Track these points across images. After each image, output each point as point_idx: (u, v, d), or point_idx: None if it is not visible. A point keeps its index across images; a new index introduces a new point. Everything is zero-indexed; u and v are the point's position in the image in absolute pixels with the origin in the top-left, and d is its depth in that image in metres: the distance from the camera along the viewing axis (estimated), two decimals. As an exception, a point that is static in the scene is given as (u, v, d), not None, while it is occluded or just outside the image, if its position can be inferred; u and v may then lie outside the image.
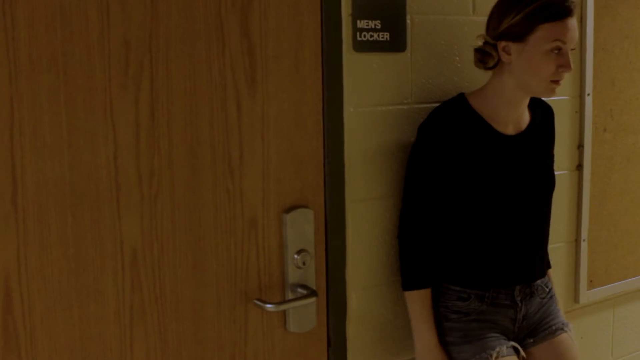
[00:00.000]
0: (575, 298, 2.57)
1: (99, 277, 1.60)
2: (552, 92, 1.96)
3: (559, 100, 2.40)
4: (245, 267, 1.79)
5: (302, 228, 1.85)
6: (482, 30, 2.10)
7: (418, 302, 2.02)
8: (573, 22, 1.91)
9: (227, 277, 1.76)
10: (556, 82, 1.93)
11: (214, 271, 1.74)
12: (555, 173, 2.36)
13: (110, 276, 1.61)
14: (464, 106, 2.01)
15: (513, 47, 1.92)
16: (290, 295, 1.85)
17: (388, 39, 1.99)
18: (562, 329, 2.13)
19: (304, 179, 1.85)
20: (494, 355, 1.98)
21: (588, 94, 2.49)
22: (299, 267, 1.85)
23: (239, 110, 1.74)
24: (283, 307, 1.80)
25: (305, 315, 1.88)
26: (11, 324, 1.51)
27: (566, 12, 1.89)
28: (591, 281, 2.61)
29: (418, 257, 2.02)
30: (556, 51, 1.90)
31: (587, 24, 2.44)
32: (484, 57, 1.99)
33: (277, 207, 1.82)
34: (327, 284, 1.94)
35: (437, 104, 2.05)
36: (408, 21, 2.03)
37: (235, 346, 1.80)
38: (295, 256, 1.84)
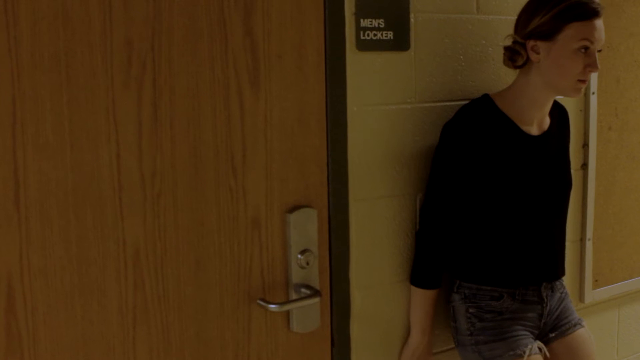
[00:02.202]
0: (580, 297, 2.56)
1: (101, 277, 1.59)
2: (578, 91, 2.00)
3: (563, 99, 2.39)
4: (248, 267, 1.78)
5: (306, 228, 1.84)
6: (486, 28, 2.10)
7: (423, 300, 2.07)
8: (600, 23, 1.95)
9: (230, 276, 1.76)
10: (583, 81, 1.97)
11: (217, 271, 1.74)
12: (560, 172, 2.37)
13: (112, 276, 1.61)
14: (489, 106, 2.04)
15: (542, 46, 1.96)
16: (293, 295, 1.85)
17: (391, 37, 1.98)
18: (579, 324, 2.20)
19: (307, 179, 1.85)
20: (527, 353, 2.03)
21: (593, 93, 2.48)
22: (302, 267, 1.84)
23: (242, 109, 1.73)
24: (286, 307, 1.79)
25: (309, 315, 1.88)
26: (14, 324, 1.51)
27: (594, 13, 1.93)
28: (596, 280, 2.60)
29: (433, 257, 2.06)
30: (583, 50, 1.93)
31: (592, 23, 2.42)
32: (513, 55, 2.03)
33: (280, 207, 1.81)
34: (331, 284, 1.93)
35: (441, 103, 2.06)
36: (412, 20, 2.02)
37: (239, 346, 1.79)
38: (299, 256, 1.83)
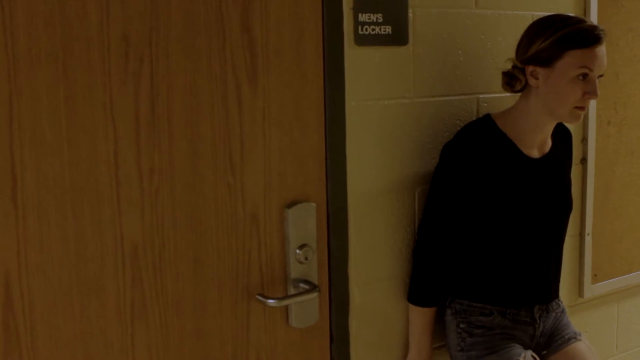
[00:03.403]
0: (580, 292, 2.56)
1: (99, 273, 1.59)
2: (577, 118, 1.98)
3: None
4: (247, 262, 1.78)
5: (304, 223, 1.84)
6: (485, 23, 2.10)
7: (420, 318, 2.07)
8: (602, 49, 1.92)
9: (228, 272, 1.76)
10: (581, 108, 1.95)
11: (215, 267, 1.73)
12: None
13: (111, 272, 1.61)
14: (491, 127, 2.03)
15: (540, 72, 1.95)
16: (292, 291, 1.84)
17: (390, 32, 1.98)
18: (574, 337, 2.16)
19: (306, 174, 1.85)
20: None
21: (592, 87, 2.47)
22: (301, 262, 1.84)
23: (240, 105, 1.73)
24: (285, 302, 1.80)
25: (308, 310, 1.88)
26: (11, 321, 1.50)
27: (595, 40, 1.90)
28: (595, 275, 2.60)
29: (432, 275, 2.05)
30: (582, 78, 1.91)
31: (590, 17, 2.42)
32: (511, 80, 2.03)
33: (279, 202, 1.81)
34: (330, 279, 1.93)
35: (439, 98, 2.06)
36: (410, 14, 2.01)
37: (237, 341, 1.79)
38: (297, 251, 1.83)
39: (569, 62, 1.90)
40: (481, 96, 2.19)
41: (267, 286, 1.82)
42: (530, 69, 1.96)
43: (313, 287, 1.82)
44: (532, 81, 1.97)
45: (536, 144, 2.06)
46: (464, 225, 2.04)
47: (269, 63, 1.75)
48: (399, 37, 2.00)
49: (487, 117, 2.06)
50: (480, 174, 1.98)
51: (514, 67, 2.02)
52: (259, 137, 1.76)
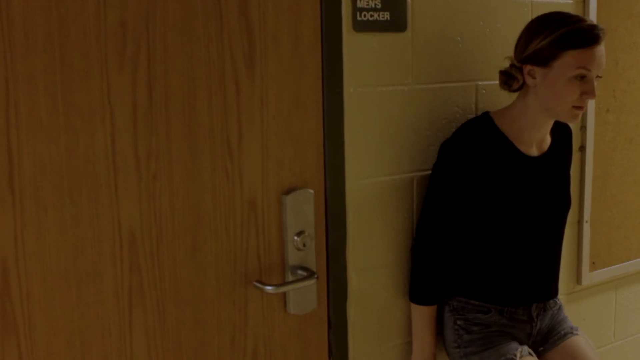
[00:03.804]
0: (578, 279, 2.56)
1: (97, 259, 1.59)
2: (575, 117, 1.97)
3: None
4: (244, 249, 1.78)
5: (302, 209, 1.83)
6: (484, 10, 2.09)
7: (423, 316, 2.07)
8: (601, 49, 1.90)
9: (226, 258, 1.75)
10: (579, 107, 1.94)
11: (213, 253, 1.73)
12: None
13: (108, 258, 1.60)
14: (489, 126, 2.02)
15: (538, 71, 1.93)
16: (290, 277, 1.84)
17: (388, 18, 1.97)
18: (571, 332, 2.16)
19: (304, 160, 1.84)
20: (518, 355, 2.02)
21: (591, 74, 2.47)
22: (299, 249, 1.84)
23: (238, 91, 1.72)
24: (283, 289, 1.79)
25: (306, 297, 1.87)
26: (9, 307, 1.50)
27: (593, 40, 1.88)
28: (594, 263, 2.60)
29: (431, 273, 2.06)
30: (580, 78, 1.89)
31: (590, 3, 2.41)
32: (508, 79, 2.01)
33: (277, 189, 1.80)
34: (328, 266, 1.93)
35: (437, 85, 2.05)
36: (408, 1, 2.00)
37: (235, 328, 1.79)
38: (295, 238, 1.83)
39: (567, 62, 1.88)
40: (480, 83, 2.19)
41: (265, 273, 1.82)
42: (527, 68, 1.95)
43: (311, 274, 1.82)
44: (529, 80, 1.96)
45: (534, 142, 2.06)
46: (462, 223, 2.04)
47: (267, 48, 1.75)
48: (397, 24, 1.99)
49: (486, 115, 2.06)
50: (478, 173, 1.97)
51: (511, 66, 2.01)
52: (257, 123, 1.75)
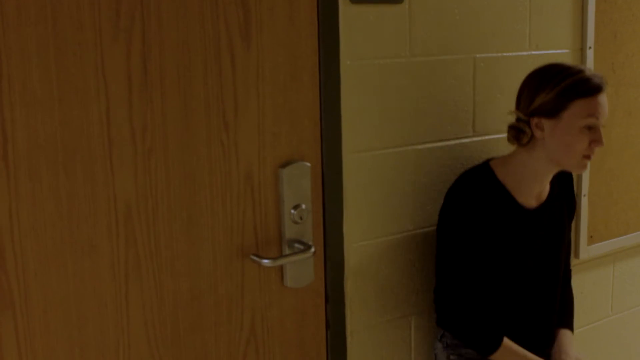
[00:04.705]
0: (576, 253, 2.56)
1: (92, 233, 1.58)
2: (584, 167, 2.00)
3: (560, 54, 2.37)
4: (241, 222, 1.77)
5: (299, 183, 1.83)
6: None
7: (510, 353, 2.03)
8: (604, 97, 1.93)
9: (223, 232, 1.75)
10: (588, 157, 1.96)
11: (209, 226, 1.73)
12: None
13: (104, 232, 1.60)
14: (489, 177, 2.02)
15: (546, 123, 1.94)
16: (287, 251, 1.84)
17: (385, -10, 1.95)
18: None
19: (300, 133, 1.83)
20: None
21: (589, 47, 2.45)
22: (296, 222, 1.83)
23: (233, 64, 1.71)
24: (280, 262, 1.79)
25: (303, 270, 1.87)
26: (5, 281, 1.50)
27: (599, 88, 1.91)
28: (591, 236, 2.59)
29: (479, 320, 2.03)
30: (588, 128, 1.91)
31: (589, -25, 2.39)
32: (519, 134, 2.00)
33: (273, 162, 1.80)
34: (325, 239, 1.92)
35: (435, 58, 2.04)
36: (406, -28, 1.99)
37: (232, 301, 1.79)
38: (292, 211, 1.82)
39: (576, 112, 1.90)
40: (478, 56, 2.17)
41: (261, 246, 1.81)
42: (535, 120, 1.95)
43: (308, 247, 1.82)
44: (537, 133, 1.96)
45: (535, 192, 2.07)
46: (474, 269, 2.03)
47: (263, 20, 1.73)
48: (394, -5, 1.97)
49: (487, 165, 2.05)
50: (478, 224, 1.98)
51: (518, 119, 2.00)
52: (253, 96, 1.74)
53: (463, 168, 2.17)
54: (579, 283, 2.60)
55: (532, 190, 2.05)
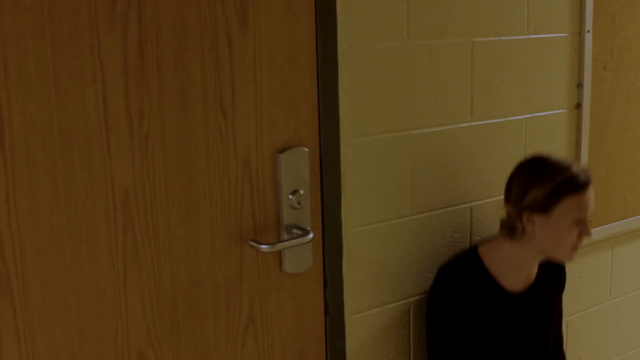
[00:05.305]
0: (574, 238, 2.56)
1: (90, 219, 1.58)
2: (572, 257, 2.05)
3: (558, 38, 2.36)
4: (239, 208, 1.77)
5: (297, 168, 1.82)
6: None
7: None
8: (591, 192, 1.99)
9: (221, 218, 1.74)
10: (576, 247, 2.02)
11: (207, 212, 1.72)
12: (554, 112, 2.36)
13: (102, 218, 1.59)
14: (475, 265, 2.07)
15: (537, 218, 1.98)
16: (285, 236, 1.84)
17: (383, -26, 1.94)
18: None
19: (298, 118, 1.82)
20: None
21: (588, 31, 2.44)
22: (294, 208, 1.83)
23: (230, 48, 1.70)
24: (278, 247, 1.79)
25: (301, 255, 1.87)
26: (2, 267, 1.50)
27: (586, 184, 1.97)
28: (590, 221, 2.58)
29: None
30: (578, 222, 1.97)
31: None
32: (512, 230, 2.04)
33: (271, 147, 1.79)
34: (323, 224, 1.92)
35: (433, 41, 2.03)
36: (403, -45, 1.98)
37: (230, 287, 1.79)
38: (290, 197, 1.82)
39: (566, 207, 1.95)
40: (476, 39, 2.16)
41: (259, 232, 1.81)
42: (526, 215, 1.99)
43: (306, 233, 1.81)
44: (529, 227, 2.00)
45: (522, 277, 2.11)
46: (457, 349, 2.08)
47: (260, 4, 1.72)
48: (392, -21, 1.96)
49: (475, 252, 2.10)
50: (464, 313, 2.03)
51: (509, 215, 2.04)
52: (250, 80, 1.73)
53: (461, 153, 2.16)
54: (577, 267, 2.60)
55: (519, 275, 2.11)
